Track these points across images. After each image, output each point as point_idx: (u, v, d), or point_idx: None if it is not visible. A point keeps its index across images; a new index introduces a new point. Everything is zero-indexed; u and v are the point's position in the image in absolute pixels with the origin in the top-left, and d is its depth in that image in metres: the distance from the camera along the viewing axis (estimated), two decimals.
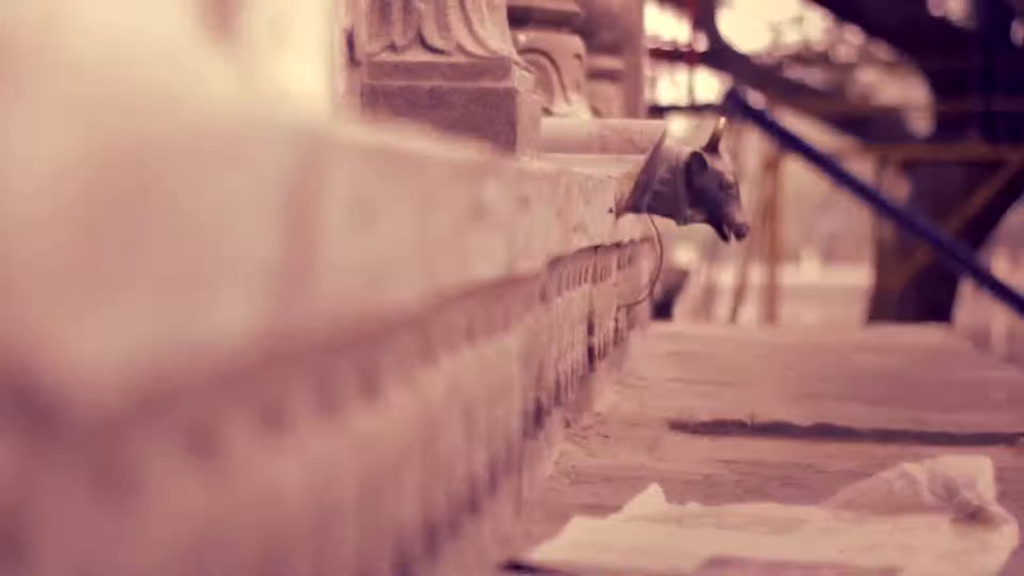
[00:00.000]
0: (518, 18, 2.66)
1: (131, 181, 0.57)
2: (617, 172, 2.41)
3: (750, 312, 12.13)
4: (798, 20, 17.52)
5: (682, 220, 2.51)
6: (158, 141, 0.59)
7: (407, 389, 1.06)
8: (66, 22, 0.55)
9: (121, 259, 0.57)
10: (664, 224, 2.63)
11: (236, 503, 0.73)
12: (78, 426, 0.57)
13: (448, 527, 1.20)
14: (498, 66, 1.75)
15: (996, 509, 1.41)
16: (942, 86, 12.86)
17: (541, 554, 1.28)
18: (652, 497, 1.48)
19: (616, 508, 1.44)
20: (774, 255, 10.09)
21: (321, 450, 0.86)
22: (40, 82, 0.50)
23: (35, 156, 0.50)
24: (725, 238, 2.51)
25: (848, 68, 16.68)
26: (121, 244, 0.57)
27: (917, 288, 11.71)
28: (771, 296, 10.13)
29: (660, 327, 4.08)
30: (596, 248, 2.20)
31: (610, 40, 3.58)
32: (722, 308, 10.66)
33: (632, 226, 2.77)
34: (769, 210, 10.14)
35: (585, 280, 2.17)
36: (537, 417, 1.69)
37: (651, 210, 2.52)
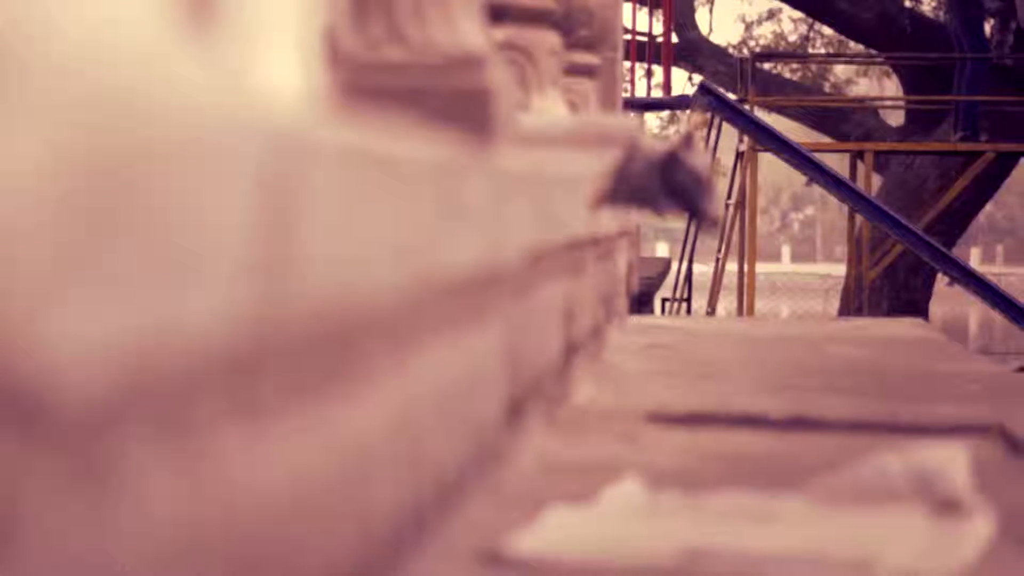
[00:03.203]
0: (495, 14, 2.67)
1: (109, 180, 0.58)
2: (594, 167, 2.42)
3: (727, 305, 12.15)
4: (771, 15, 17.53)
5: (658, 214, 2.53)
6: (136, 140, 0.60)
7: (385, 382, 1.07)
8: (44, 21, 0.56)
9: (101, 257, 0.57)
10: (641, 217, 2.66)
11: (214, 495, 0.74)
12: (62, 420, 0.57)
13: (425, 520, 1.21)
14: (475, 63, 1.76)
15: (971, 500, 1.43)
16: (915, 81, 12.89)
17: (518, 546, 1.28)
18: (629, 488, 1.49)
19: (593, 500, 1.45)
20: (750, 248, 10.12)
21: (298, 442, 0.87)
22: (18, 82, 0.51)
23: (14, 155, 0.51)
24: (699, 228, 2.57)
25: (822, 63, 16.70)
26: (100, 242, 0.57)
27: (891, 281, 11.75)
28: (747, 289, 10.16)
29: (638, 320, 4.09)
30: (573, 242, 2.21)
31: (587, 36, 3.59)
32: (700, 300, 10.69)
33: (609, 220, 2.78)
34: (744, 203, 10.16)
35: (563, 274, 2.18)
36: (515, 409, 1.70)
37: (627, 204, 2.53)
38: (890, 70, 15.10)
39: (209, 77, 0.88)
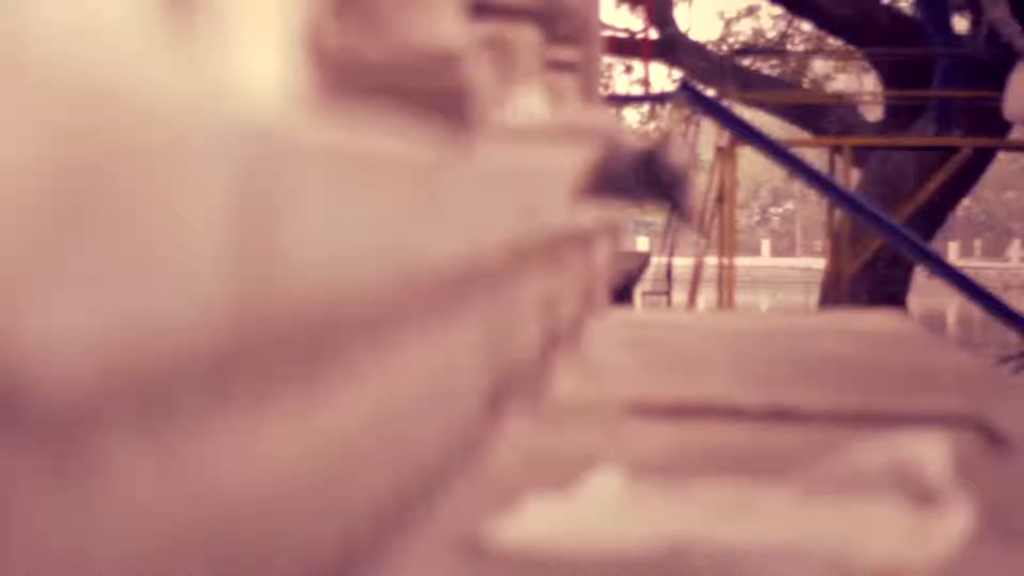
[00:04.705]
0: (476, 10, 2.67)
1: (89, 177, 0.58)
2: (573, 162, 2.43)
3: (707, 298, 12.17)
4: (751, 11, 17.56)
5: (637, 207, 2.55)
6: (116, 138, 0.60)
7: (365, 376, 1.07)
8: (20, 19, 0.56)
9: (82, 253, 0.58)
10: (621, 210, 2.67)
11: (196, 490, 0.74)
12: (44, 417, 0.57)
13: (406, 513, 1.21)
14: (455, 60, 1.76)
15: (949, 491, 1.43)
16: (894, 76, 12.93)
17: (499, 538, 1.29)
18: (610, 480, 1.50)
19: (574, 491, 1.46)
20: (730, 242, 10.14)
21: (279, 436, 0.87)
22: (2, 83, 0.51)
23: None
24: (678, 222, 2.59)
25: (801, 58, 16.73)
26: (81, 238, 0.57)
27: (871, 274, 11.78)
28: (727, 282, 10.18)
29: (618, 313, 4.10)
30: (553, 236, 2.22)
31: (567, 31, 3.59)
32: (680, 294, 10.71)
33: (589, 214, 2.79)
34: (724, 197, 10.19)
35: (543, 268, 2.19)
36: (495, 402, 1.71)
37: (607, 198, 2.54)
38: (869, 66, 15.14)
39: (189, 74, 0.88)
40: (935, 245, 11.86)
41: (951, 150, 10.84)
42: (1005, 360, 10.21)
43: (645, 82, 10.64)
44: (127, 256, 0.61)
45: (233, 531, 0.79)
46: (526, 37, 2.92)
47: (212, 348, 0.73)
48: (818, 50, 15.95)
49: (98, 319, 0.59)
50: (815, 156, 12.48)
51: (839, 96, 14.84)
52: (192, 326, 0.69)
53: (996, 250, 51.61)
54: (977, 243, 52.02)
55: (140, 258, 0.63)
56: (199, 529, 0.74)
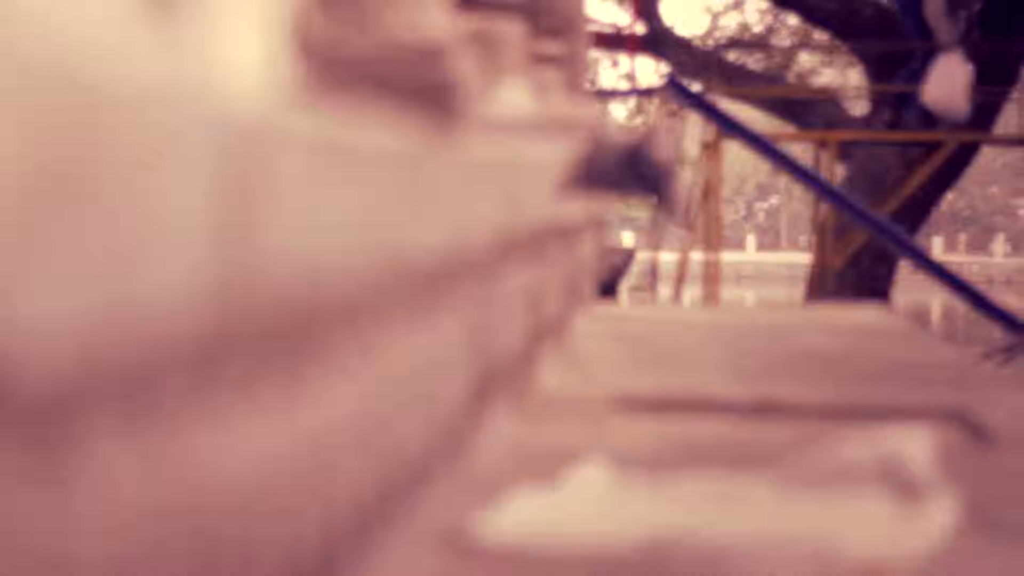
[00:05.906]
0: (461, 2, 2.67)
1: (70, 163, 0.57)
2: (559, 156, 2.43)
3: (692, 293, 12.19)
4: (737, 5, 17.58)
5: (622, 201, 2.55)
6: (100, 125, 0.60)
7: (350, 367, 1.07)
8: (10, 6, 0.55)
9: (64, 242, 0.57)
10: (606, 205, 2.67)
11: (177, 483, 0.74)
12: (23, 403, 0.57)
13: (391, 507, 1.21)
14: (441, 53, 1.76)
15: (935, 486, 1.44)
16: (879, 71, 12.96)
17: (485, 533, 1.29)
18: (595, 474, 1.50)
19: (559, 486, 1.45)
20: (715, 237, 10.16)
21: (261, 428, 0.87)
22: None
23: None
24: (663, 217, 2.61)
25: (786, 52, 16.77)
26: (64, 227, 0.57)
27: (855, 268, 11.81)
28: (713, 277, 10.20)
29: (604, 308, 4.10)
30: (539, 230, 2.22)
31: (552, 25, 3.59)
32: (665, 289, 10.73)
33: (575, 208, 2.79)
34: (709, 192, 10.20)
35: (528, 261, 2.19)
36: (481, 396, 1.71)
37: (592, 192, 2.54)
38: (854, 60, 15.17)
39: (174, 62, 0.87)
40: (919, 240, 11.92)
41: (935, 144, 10.88)
42: (989, 355, 10.24)
43: (631, 77, 10.66)
44: (110, 244, 0.61)
45: (215, 524, 0.79)
46: (512, 31, 2.92)
47: (194, 337, 0.73)
48: (804, 44, 15.98)
49: (80, 307, 0.59)
50: (801, 151, 12.52)
51: (824, 90, 14.88)
52: (174, 315, 0.68)
53: (980, 245, 51.81)
54: (961, 238, 52.23)
55: (123, 246, 0.62)
56: (180, 522, 0.74)
